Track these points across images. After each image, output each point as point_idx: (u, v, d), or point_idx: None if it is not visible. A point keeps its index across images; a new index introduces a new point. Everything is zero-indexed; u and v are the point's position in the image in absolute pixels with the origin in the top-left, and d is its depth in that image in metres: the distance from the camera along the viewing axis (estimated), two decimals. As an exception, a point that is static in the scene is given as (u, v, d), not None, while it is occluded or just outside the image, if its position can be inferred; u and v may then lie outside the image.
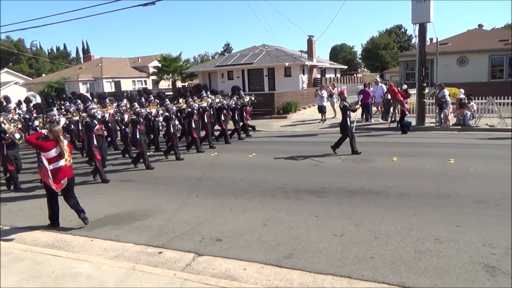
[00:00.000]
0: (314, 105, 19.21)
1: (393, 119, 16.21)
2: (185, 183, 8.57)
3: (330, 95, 19.13)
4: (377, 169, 8.95)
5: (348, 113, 10.55)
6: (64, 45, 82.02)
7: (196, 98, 13.16)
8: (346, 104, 10.67)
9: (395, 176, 8.20)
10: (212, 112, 13.84)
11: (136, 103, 10.97)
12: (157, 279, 4.39)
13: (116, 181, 9.09)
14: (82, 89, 37.19)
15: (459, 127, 14.51)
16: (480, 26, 29.71)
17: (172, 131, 11.34)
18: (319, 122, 18.09)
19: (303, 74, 30.36)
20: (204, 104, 12.85)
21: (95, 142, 9.02)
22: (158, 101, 13.21)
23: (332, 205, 6.63)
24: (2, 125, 8.53)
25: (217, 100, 14.12)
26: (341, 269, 4.42)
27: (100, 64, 44.49)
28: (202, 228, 5.89)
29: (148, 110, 11.33)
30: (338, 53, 61.66)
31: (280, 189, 7.68)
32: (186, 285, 4.22)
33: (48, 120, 8.76)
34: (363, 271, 4.35)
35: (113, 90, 33.99)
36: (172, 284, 4.24)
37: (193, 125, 11.99)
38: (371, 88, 17.95)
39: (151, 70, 43.99)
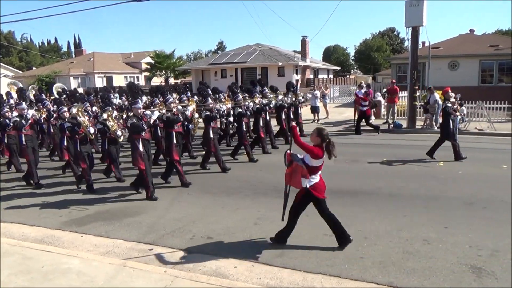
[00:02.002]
0: (306, 106, 19.24)
1: (385, 121, 16.39)
2: (176, 181, 8.55)
3: (323, 96, 19.23)
4: (368, 170, 9.03)
5: (452, 116, 9.54)
6: (56, 38, 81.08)
7: (246, 95, 11.66)
8: (449, 105, 9.54)
9: (386, 178, 8.29)
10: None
11: (209, 98, 9.55)
12: (148, 275, 4.39)
13: (109, 179, 9.03)
14: (73, 84, 36.83)
15: (449, 130, 14.67)
16: (471, 31, 30.08)
17: (244, 129, 10.20)
18: (311, 122, 18.17)
19: (296, 74, 30.45)
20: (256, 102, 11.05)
21: (141, 148, 7.27)
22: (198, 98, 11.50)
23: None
24: (78, 118, 7.79)
25: (279, 98, 12.31)
26: (331, 269, 4.46)
27: (92, 59, 44.14)
28: (194, 225, 5.90)
29: (221, 106, 10.07)
30: (331, 54, 61.91)
31: (272, 188, 7.71)
32: (177, 282, 4.23)
33: (132, 114, 7.56)
34: (352, 270, 4.40)
35: (105, 85, 33.67)
36: (163, 281, 4.24)
37: (261, 123, 10.83)
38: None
39: (144, 66, 43.78)
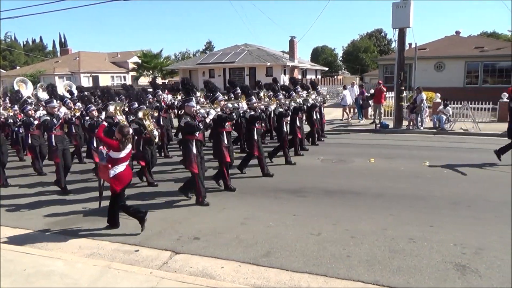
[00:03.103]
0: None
1: (373, 120, 16.55)
2: (163, 181, 8.47)
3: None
4: (355, 170, 9.09)
5: None
6: (40, 37, 79.68)
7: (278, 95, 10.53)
8: None
9: (373, 177, 8.35)
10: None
11: (253, 97, 8.91)
12: (133, 277, 4.33)
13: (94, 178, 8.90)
14: (58, 84, 36.28)
15: (435, 130, 14.90)
16: (457, 33, 30.54)
17: (285, 130, 9.62)
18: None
19: (284, 75, 30.52)
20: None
21: (194, 150, 6.76)
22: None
23: (310, 204, 6.70)
24: (145, 121, 7.53)
25: (313, 97, 11.58)
26: (317, 268, 4.47)
27: (77, 58, 43.58)
28: (180, 226, 5.85)
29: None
30: (319, 54, 62.20)
31: (260, 188, 7.70)
32: (163, 283, 4.18)
33: (184, 112, 7.07)
34: (338, 269, 4.41)
35: (91, 85, 33.27)
36: (148, 283, 4.19)
37: (298, 124, 10.24)
38: (344, 91, 18.27)
39: (131, 66, 43.40)
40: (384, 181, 8.01)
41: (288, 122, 9.97)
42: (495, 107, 16.60)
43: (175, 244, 5.23)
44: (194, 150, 6.58)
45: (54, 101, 8.36)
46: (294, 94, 10.55)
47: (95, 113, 8.46)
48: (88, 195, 7.53)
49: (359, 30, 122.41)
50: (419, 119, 15.37)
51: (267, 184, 8.03)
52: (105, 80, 41.13)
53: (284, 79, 30.33)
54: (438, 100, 16.29)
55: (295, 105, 9.94)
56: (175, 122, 12.56)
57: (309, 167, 9.40)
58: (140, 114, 7.59)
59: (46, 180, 8.78)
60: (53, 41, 78.68)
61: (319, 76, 40.48)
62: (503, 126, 14.99)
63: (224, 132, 7.39)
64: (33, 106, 10.26)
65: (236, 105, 7.94)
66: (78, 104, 10.48)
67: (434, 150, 11.50)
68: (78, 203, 7.10)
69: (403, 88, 16.38)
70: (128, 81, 43.78)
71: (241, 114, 8.70)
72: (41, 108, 9.75)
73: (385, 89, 16.75)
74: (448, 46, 26.65)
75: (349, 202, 6.76)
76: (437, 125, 15.12)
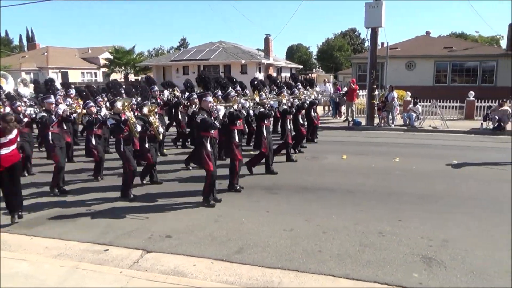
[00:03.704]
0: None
1: (345, 118, 16.83)
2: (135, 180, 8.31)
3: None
4: (327, 167, 9.21)
5: None
6: (6, 31, 76.24)
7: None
8: None
9: (345, 174, 8.49)
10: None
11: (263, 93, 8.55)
12: (102, 277, 4.24)
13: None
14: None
15: (405, 127, 15.30)
16: (427, 33, 31.44)
17: (288, 127, 9.29)
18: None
19: (260, 72, 30.57)
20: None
21: (209, 148, 6.50)
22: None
23: (283, 201, 6.74)
24: (150, 118, 7.25)
25: (315, 93, 11.51)
26: (289, 263, 4.51)
27: (46, 53, 42.14)
28: (152, 225, 5.76)
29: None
30: (294, 52, 62.68)
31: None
32: (133, 282, 4.12)
33: (199, 107, 6.71)
34: (310, 264, 4.47)
35: (61, 81, 32.22)
36: (118, 282, 4.11)
37: (301, 121, 10.08)
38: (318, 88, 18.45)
39: (102, 62, 42.32)
40: (356, 178, 8.16)
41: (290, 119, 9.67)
42: (462, 105, 17.21)
43: (147, 242, 5.15)
44: (209, 148, 6.36)
45: (52, 96, 7.83)
46: (296, 91, 10.33)
47: (94, 109, 8.16)
48: (56, 195, 7.30)
49: (333, 29, 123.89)
50: (390, 116, 15.74)
51: (239, 181, 8.01)
52: (75, 76, 39.96)
53: (259, 77, 30.39)
54: (409, 99, 16.73)
55: (298, 102, 9.75)
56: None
57: (282, 164, 9.45)
58: (145, 110, 7.23)
59: (33, 180, 8.39)
60: (20, 35, 75.62)
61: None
62: (470, 124, 15.64)
63: (236, 130, 7.11)
64: (26, 102, 9.81)
65: (247, 102, 7.67)
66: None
67: (404, 147, 11.81)
68: (45, 203, 6.87)
69: (375, 86, 16.72)
70: (100, 78, 42.76)
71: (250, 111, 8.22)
72: (23, 104, 9.26)
73: (357, 87, 17.04)
74: (418, 46, 27.40)
75: (321, 198, 6.84)
76: (407, 122, 15.52)
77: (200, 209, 6.40)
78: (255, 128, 8.93)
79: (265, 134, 8.03)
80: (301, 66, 47.41)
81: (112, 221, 5.94)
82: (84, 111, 8.38)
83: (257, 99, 7.99)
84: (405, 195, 6.95)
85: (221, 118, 6.49)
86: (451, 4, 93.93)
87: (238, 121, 7.13)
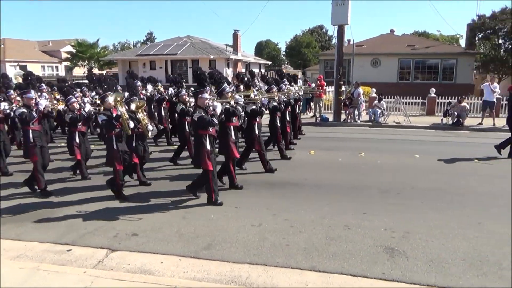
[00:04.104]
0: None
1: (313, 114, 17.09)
2: (100, 177, 8.10)
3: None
4: (295, 162, 9.31)
5: None
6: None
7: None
8: None
9: (312, 169, 8.63)
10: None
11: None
12: (65, 278, 4.10)
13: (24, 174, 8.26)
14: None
15: (371, 123, 15.73)
16: (391, 31, 32.39)
17: (278, 124, 9.20)
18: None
19: (228, 68, 30.44)
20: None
21: (208, 146, 6.28)
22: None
23: (251, 196, 6.76)
24: (138, 114, 6.88)
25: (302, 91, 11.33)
26: (257, 258, 4.54)
27: (2, 46, 40.01)
28: (117, 223, 5.62)
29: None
30: (263, 48, 62.84)
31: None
32: (97, 282, 4.01)
33: (196, 105, 6.47)
34: (278, 258, 4.52)
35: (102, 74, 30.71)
36: (82, 282, 3.99)
37: (288, 118, 9.91)
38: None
39: (64, 55, 40.78)
40: (323, 172, 8.31)
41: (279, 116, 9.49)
42: (424, 101, 17.88)
43: (112, 241, 5.03)
44: (208, 146, 6.15)
45: (32, 91, 7.18)
46: (284, 87, 10.15)
47: (76, 105, 7.78)
48: (13, 194, 6.99)
49: (301, 25, 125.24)
50: (356, 112, 16.13)
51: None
52: (34, 70, 38.09)
53: (228, 72, 30.26)
54: (374, 95, 17.19)
55: (285, 99, 9.62)
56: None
57: (250, 160, 9.47)
58: (133, 106, 6.85)
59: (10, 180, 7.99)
60: (-26, 26, 71.16)
61: (262, 70, 40.88)
62: (431, 119, 16.27)
63: (232, 126, 6.91)
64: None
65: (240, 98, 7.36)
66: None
67: (370, 142, 12.14)
68: (3, 202, 6.56)
69: (342, 83, 17.07)
70: (61, 72, 41.18)
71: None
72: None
73: (324, 84, 17.30)
74: (383, 43, 28.19)
75: (289, 193, 6.92)
76: (372, 118, 15.96)
77: (168, 206, 6.32)
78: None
79: (256, 132, 7.94)
80: (269, 62, 47.64)
81: (75, 220, 5.75)
82: (60, 107, 8.01)
83: (252, 95, 7.83)
84: (370, 188, 7.15)
85: (218, 115, 6.33)
86: (414, 4, 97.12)
87: (234, 118, 6.97)
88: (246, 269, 4.32)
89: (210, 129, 6.20)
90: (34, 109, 6.94)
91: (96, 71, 39.17)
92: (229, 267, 4.38)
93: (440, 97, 17.60)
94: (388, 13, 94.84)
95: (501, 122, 14.70)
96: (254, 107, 7.83)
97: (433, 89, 17.81)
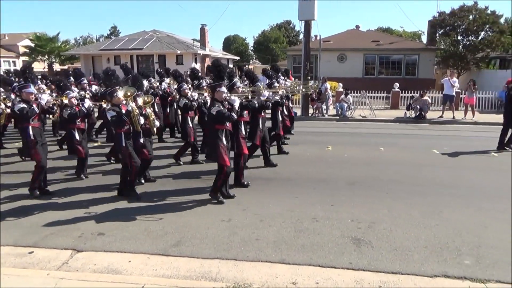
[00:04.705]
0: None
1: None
2: (61, 175, 7.82)
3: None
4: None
5: None
6: None
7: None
8: None
9: (280, 163, 8.69)
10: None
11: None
12: (27, 281, 3.95)
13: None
14: None
15: (338, 117, 16.05)
16: (357, 27, 33.07)
17: (280, 118, 8.98)
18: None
19: (196, 63, 30.07)
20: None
21: (224, 141, 6.14)
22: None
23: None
24: (146, 110, 6.52)
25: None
26: (227, 253, 4.54)
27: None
28: (82, 222, 5.45)
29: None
30: (231, 43, 62.50)
31: (168, 178, 7.54)
32: (62, 284, 3.89)
33: (213, 98, 6.25)
34: (248, 252, 4.54)
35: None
36: (46, 285, 3.86)
37: (285, 112, 9.63)
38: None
39: (22, 50, 38.91)
40: (291, 166, 8.41)
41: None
42: (389, 95, 18.44)
43: (77, 241, 4.88)
44: (224, 141, 6.02)
45: (31, 86, 6.70)
46: (282, 82, 9.96)
47: (74, 100, 7.39)
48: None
49: (269, 20, 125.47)
50: (324, 107, 16.40)
51: (174, 172, 7.91)
52: (-10, 65, 36.30)
53: (196, 68, 29.88)
54: (341, 90, 17.54)
55: (283, 93, 9.36)
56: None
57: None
58: (140, 101, 6.50)
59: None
60: None
61: (231, 65, 40.70)
62: (395, 113, 16.80)
63: (242, 121, 6.72)
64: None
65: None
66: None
67: (337, 135, 12.40)
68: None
69: (310, 78, 17.29)
70: (19, 67, 39.28)
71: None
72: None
73: (292, 79, 17.43)
74: (349, 39, 28.72)
75: (258, 188, 6.96)
76: (339, 112, 16.29)
77: (134, 203, 6.19)
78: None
79: (260, 126, 7.77)
80: (238, 57, 47.46)
81: (37, 221, 5.53)
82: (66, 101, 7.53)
83: (266, 93, 7.49)
84: (337, 181, 7.31)
85: (237, 109, 6.13)
86: (378, 1, 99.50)
87: (245, 112, 6.81)
88: (216, 264, 4.32)
89: (227, 124, 6.07)
90: (35, 105, 6.57)
91: (57, 66, 37.74)
92: (199, 263, 4.36)
93: (403, 91, 18.20)
94: (353, 9, 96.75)
95: (460, 115, 15.43)
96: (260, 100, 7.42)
97: (397, 84, 18.39)
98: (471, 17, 23.64)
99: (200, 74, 10.06)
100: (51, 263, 4.39)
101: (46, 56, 36.58)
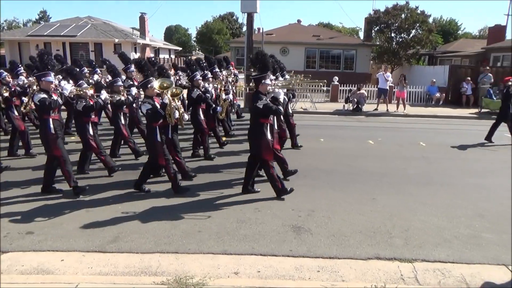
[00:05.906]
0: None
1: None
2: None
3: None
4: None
5: None
6: None
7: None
8: None
9: (225, 155, 8.69)
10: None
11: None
12: None
13: None
14: None
15: (280, 109, 16.31)
16: (299, 21, 33.71)
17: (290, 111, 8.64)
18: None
19: (135, 53, 28.92)
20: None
21: (269, 136, 5.95)
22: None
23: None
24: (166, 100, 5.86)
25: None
26: (168, 246, 4.46)
27: None
28: (7, 221, 5.04)
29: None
30: (173, 34, 60.97)
31: (105, 172, 7.20)
32: (-16, 288, 3.57)
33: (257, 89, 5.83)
34: (190, 244, 4.49)
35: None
36: (-36, 291, 3.52)
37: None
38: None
39: None
40: (231, 158, 8.42)
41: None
42: (328, 89, 19.07)
43: (2, 242, 4.50)
44: (269, 136, 5.85)
45: (51, 74, 5.98)
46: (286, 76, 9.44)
47: (89, 91, 6.59)
48: None
49: (212, 11, 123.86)
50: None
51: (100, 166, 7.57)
52: None
53: (135, 57, 28.75)
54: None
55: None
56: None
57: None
58: (168, 94, 6.00)
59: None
60: None
61: (172, 56, 39.69)
62: (334, 105, 17.45)
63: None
64: None
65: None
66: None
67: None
68: None
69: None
70: None
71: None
72: None
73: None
74: (291, 33, 29.21)
75: (201, 179, 6.88)
76: (281, 104, 16.55)
77: (66, 199, 5.83)
78: None
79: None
80: (180, 48, 46.43)
81: (-45, 221, 5.03)
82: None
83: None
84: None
85: (282, 102, 5.91)
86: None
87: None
88: (157, 258, 4.22)
89: (271, 118, 5.93)
90: (57, 95, 5.96)
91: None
92: (138, 258, 4.23)
93: (342, 85, 18.93)
94: (295, 3, 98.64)
95: (393, 108, 16.40)
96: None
97: (336, 78, 19.08)
98: (403, 15, 25.15)
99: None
100: (-29, 267, 4.01)
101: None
